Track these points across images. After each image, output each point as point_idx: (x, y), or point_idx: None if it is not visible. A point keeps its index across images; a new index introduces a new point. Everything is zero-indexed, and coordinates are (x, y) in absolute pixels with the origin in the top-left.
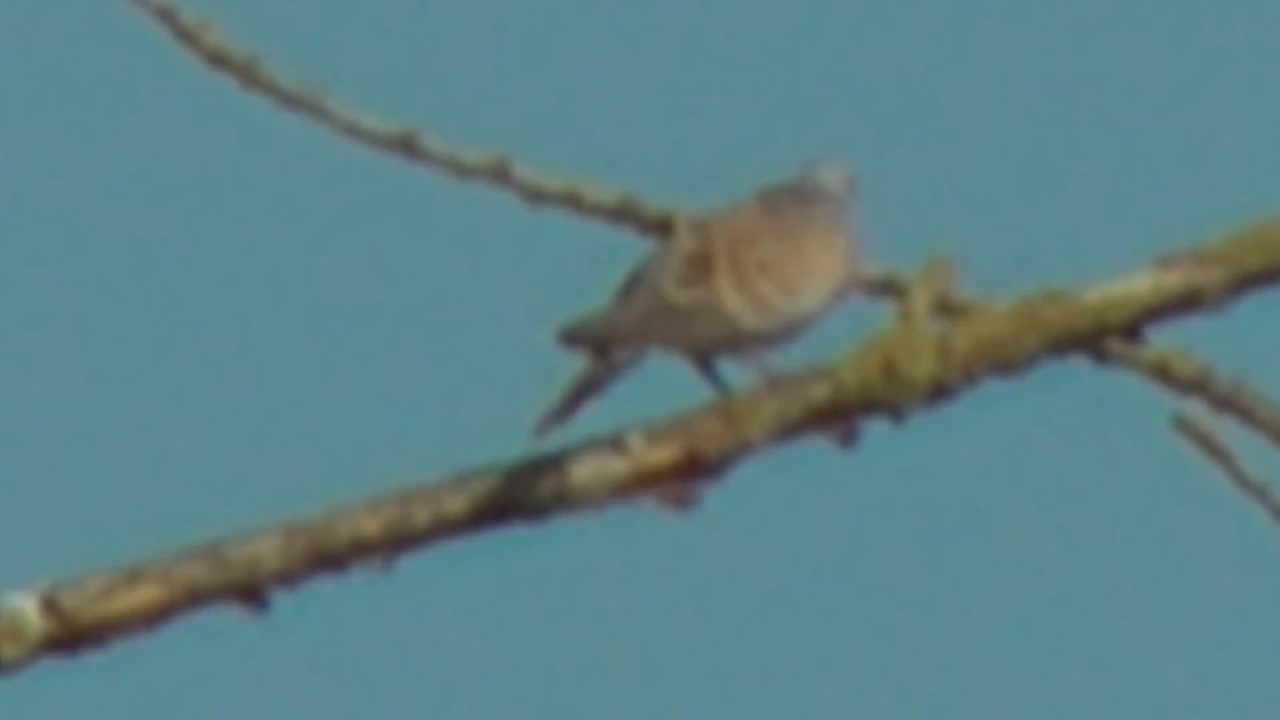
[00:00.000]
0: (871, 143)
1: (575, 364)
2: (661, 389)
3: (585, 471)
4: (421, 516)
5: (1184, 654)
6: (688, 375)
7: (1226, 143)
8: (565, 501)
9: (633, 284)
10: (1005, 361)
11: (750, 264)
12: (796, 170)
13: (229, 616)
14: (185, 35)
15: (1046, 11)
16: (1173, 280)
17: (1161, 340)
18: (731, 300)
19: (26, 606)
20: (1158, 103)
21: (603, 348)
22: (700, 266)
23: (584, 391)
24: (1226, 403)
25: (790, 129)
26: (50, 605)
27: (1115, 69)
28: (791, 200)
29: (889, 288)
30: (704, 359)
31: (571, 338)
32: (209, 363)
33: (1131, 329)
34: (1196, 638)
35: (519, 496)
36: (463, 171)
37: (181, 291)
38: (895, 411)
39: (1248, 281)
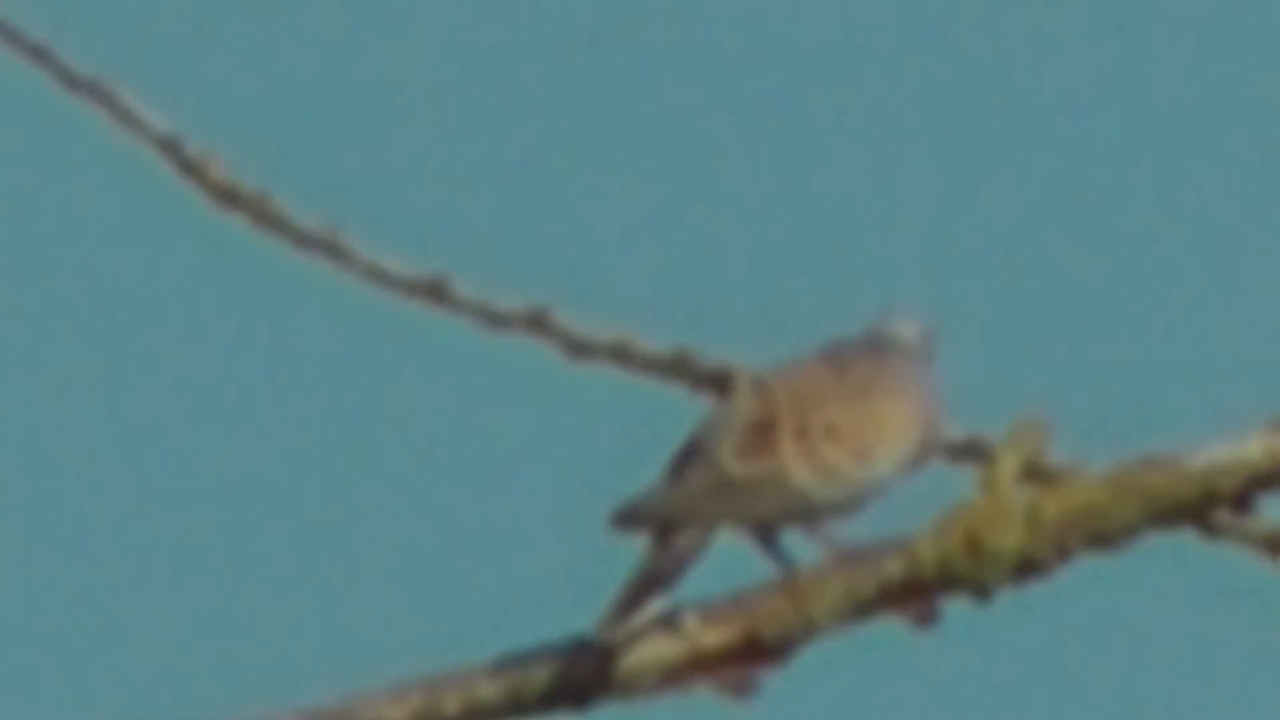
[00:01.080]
0: (951, 291)
1: (628, 543)
2: (719, 563)
3: (636, 655)
4: (452, 705)
5: None
6: (747, 548)
7: None
8: (613, 688)
9: (690, 454)
10: (1101, 534)
11: (818, 428)
12: (868, 323)
13: None
14: (191, 169)
15: (1139, 147)
16: None
17: (1276, 511)
18: (798, 471)
19: None
20: (1271, 244)
21: (662, 530)
22: (763, 433)
23: (648, 584)
24: None
25: (860, 277)
26: None
27: (1221, 210)
28: (861, 355)
29: (972, 452)
30: (767, 532)
31: (627, 519)
32: (220, 532)
33: (1242, 498)
34: None
35: (561, 683)
36: (498, 321)
37: (195, 454)
38: (979, 589)
39: None
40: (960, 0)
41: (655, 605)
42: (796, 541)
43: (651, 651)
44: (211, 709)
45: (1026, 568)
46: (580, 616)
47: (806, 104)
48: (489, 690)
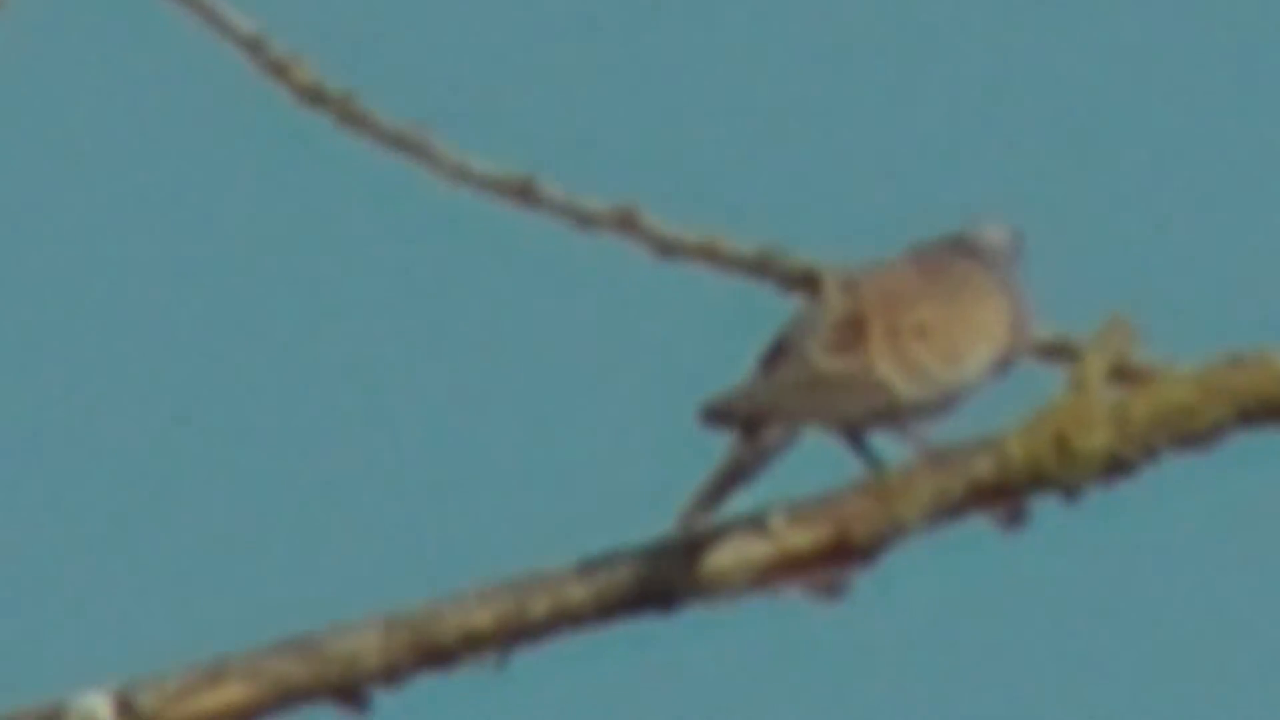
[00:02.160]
0: (1043, 193)
1: (710, 438)
2: (807, 463)
3: (723, 556)
4: (539, 607)
5: None
6: (836, 449)
7: None
8: (700, 589)
9: (778, 351)
10: (1189, 433)
11: (907, 328)
12: (957, 225)
13: (326, 718)
14: (276, 69)
15: (1230, 59)
16: None
17: None
18: (887, 369)
19: (99, 707)
20: None
21: (750, 426)
22: (852, 331)
23: (733, 478)
24: None
25: (950, 180)
26: (125, 706)
27: None
28: (951, 257)
29: (1060, 352)
30: (855, 431)
31: (715, 415)
32: (309, 432)
33: None
34: None
35: (648, 584)
36: (585, 221)
37: (280, 350)
38: (1068, 489)
39: None
40: None
41: (736, 498)
42: (886, 443)
43: (739, 552)
44: (299, 614)
45: (1115, 467)
46: (672, 516)
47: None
48: (577, 593)
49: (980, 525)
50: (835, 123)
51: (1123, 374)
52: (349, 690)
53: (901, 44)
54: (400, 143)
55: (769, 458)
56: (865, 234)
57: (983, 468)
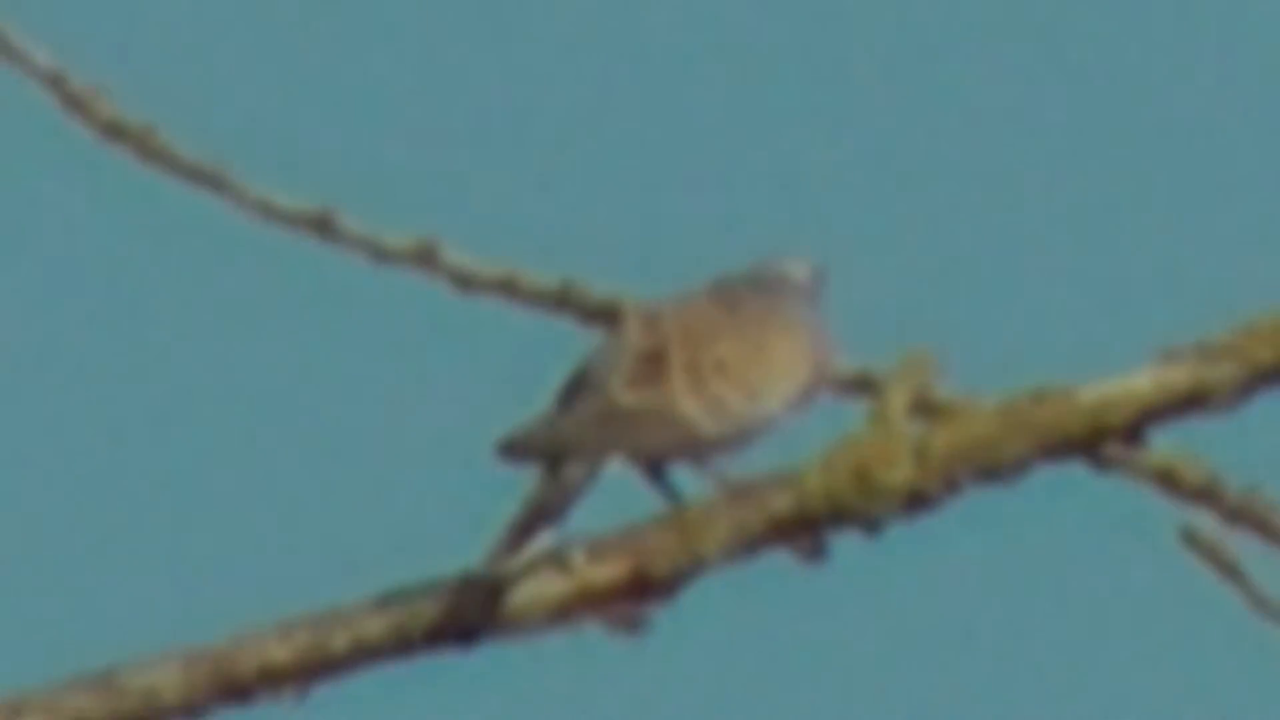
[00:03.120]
0: (842, 227)
1: (515, 475)
2: (607, 499)
3: (523, 591)
4: (339, 642)
5: None
6: (636, 483)
7: (1233, 228)
8: (500, 624)
9: (577, 385)
10: (991, 467)
11: (708, 363)
12: (757, 259)
13: None
14: (76, 104)
15: (1038, 97)
16: (1177, 377)
17: (1166, 444)
18: (688, 404)
19: None
20: (1159, 183)
21: (549, 460)
22: (653, 366)
23: (538, 516)
24: (1238, 513)
25: (749, 213)
26: None
27: (1118, 154)
28: (752, 293)
29: (862, 386)
30: (655, 466)
31: (513, 449)
32: (102, 469)
33: (1132, 431)
34: None
35: (448, 619)
36: (384, 255)
37: (67, 380)
38: (868, 523)
39: (1260, 378)
40: None
41: (544, 539)
42: (686, 477)
43: (539, 588)
44: (97, 650)
45: (915, 501)
46: (469, 551)
47: (696, 38)
48: (376, 628)
49: (780, 560)
50: (638, 156)
51: (924, 408)
52: None
53: (707, 73)
54: (200, 177)
55: (573, 495)
56: (667, 269)
57: (782, 502)
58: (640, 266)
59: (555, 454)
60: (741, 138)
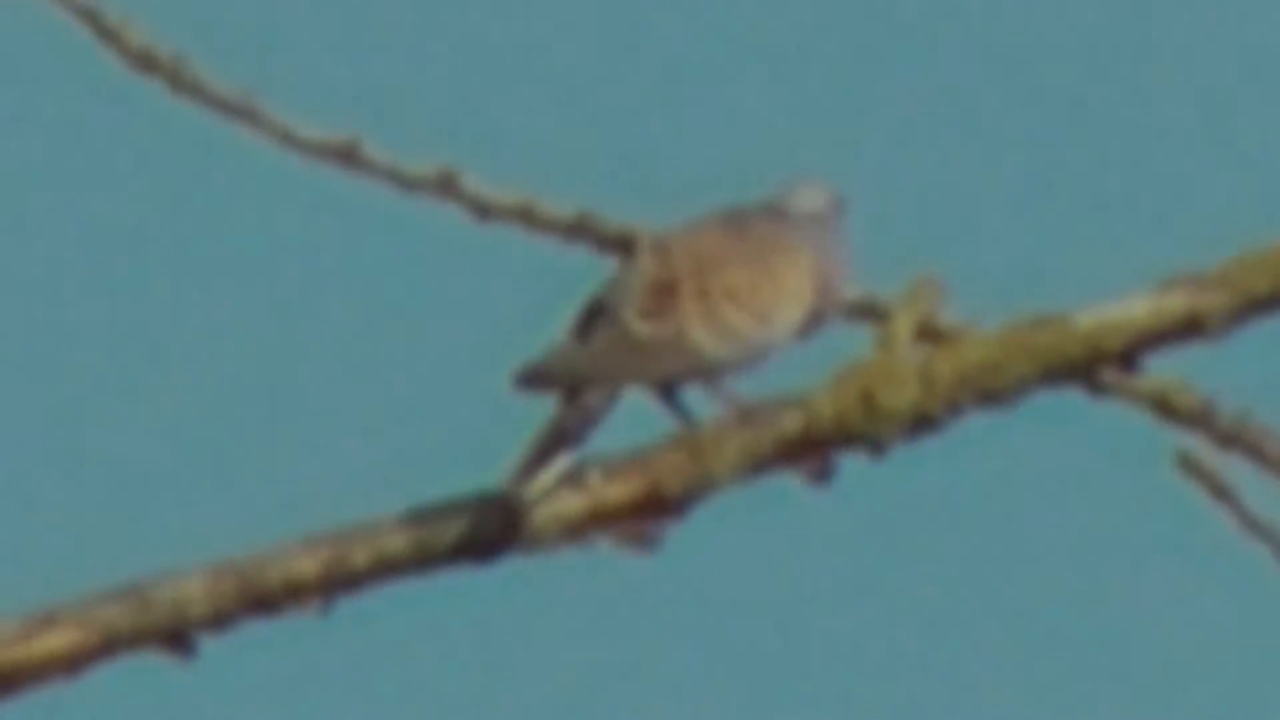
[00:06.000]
0: (852, 158)
1: (527, 401)
2: (621, 420)
3: (540, 510)
4: (360, 556)
5: (1184, 698)
6: (649, 406)
7: (1230, 160)
8: (518, 541)
9: (592, 314)
10: (992, 391)
11: (718, 290)
12: (774, 188)
13: (152, 662)
14: (108, 35)
15: (1039, 27)
16: (1173, 305)
17: (1161, 369)
18: (699, 332)
19: None
20: (1159, 116)
21: (567, 390)
22: (665, 295)
23: (557, 440)
24: (1231, 438)
25: (766, 142)
26: None
27: (1116, 84)
28: (760, 219)
29: (868, 312)
30: (668, 389)
31: (529, 380)
32: (130, 388)
33: (1128, 357)
34: (1197, 683)
35: (467, 536)
36: (407, 184)
37: (102, 308)
38: (874, 444)
39: (1253, 306)
40: None
41: (563, 461)
42: (697, 399)
43: (556, 506)
44: (127, 564)
45: (920, 424)
46: (486, 473)
47: None
48: (397, 543)
49: (789, 480)
50: (656, 88)
51: (928, 334)
52: (175, 636)
53: (720, 11)
54: (230, 108)
55: (592, 420)
56: (685, 198)
57: (791, 424)
58: (656, 195)
59: (572, 385)
60: (751, 69)
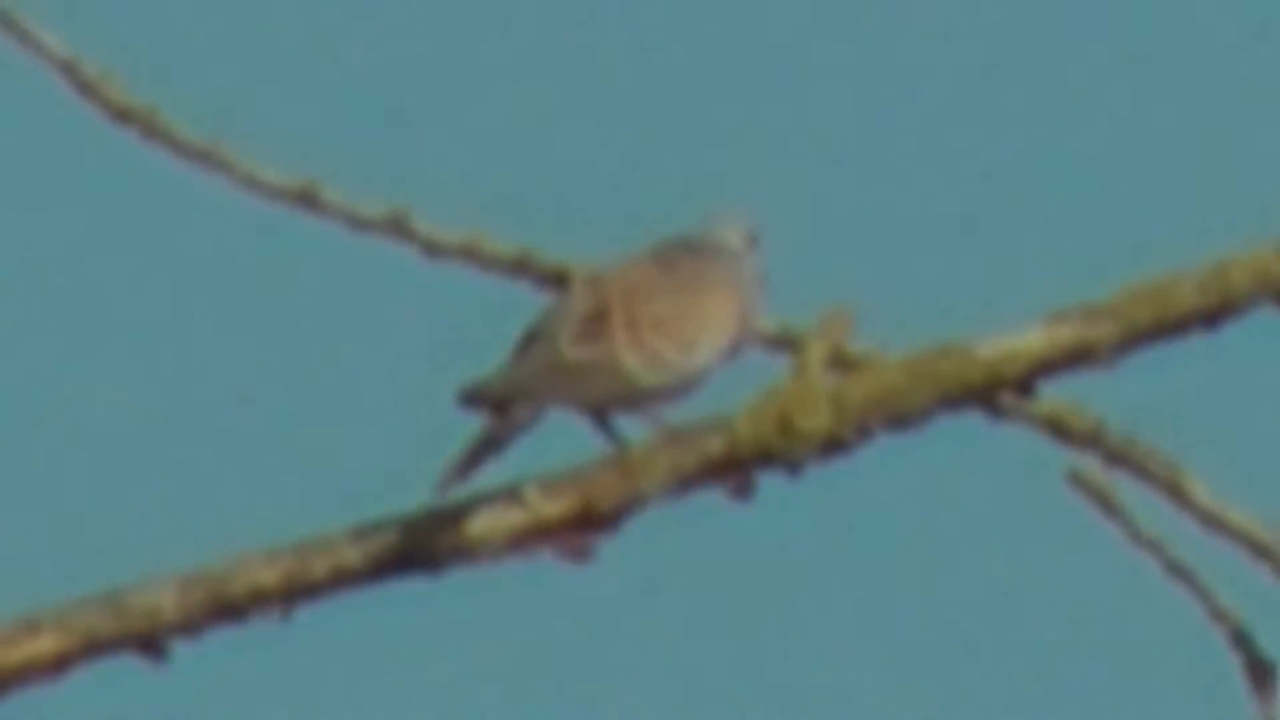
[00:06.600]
0: (770, 194)
1: (473, 421)
2: (557, 442)
3: (482, 523)
4: (320, 567)
5: (1076, 701)
6: (583, 429)
7: (1116, 200)
8: (463, 553)
9: (530, 341)
10: (899, 415)
11: (645, 320)
12: (696, 223)
13: (127, 666)
14: (87, 89)
15: (940, 62)
16: (1065, 335)
17: (1054, 394)
18: (628, 358)
19: None
20: (1049, 159)
21: (502, 406)
22: (596, 323)
23: (484, 449)
24: (1119, 457)
25: (690, 180)
26: None
27: (1010, 124)
28: (687, 254)
29: (785, 341)
30: (600, 413)
31: (471, 398)
32: (104, 410)
33: (1025, 383)
34: (1091, 695)
35: (417, 548)
36: (361, 224)
37: (84, 342)
38: (791, 464)
39: (1138, 336)
40: None
41: (486, 469)
42: (628, 423)
43: (497, 520)
44: (91, 575)
45: (832, 445)
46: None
47: (637, 10)
48: (352, 555)
49: (712, 496)
50: (585, 132)
51: (840, 361)
52: (149, 642)
53: (651, 45)
54: (197, 155)
55: (517, 433)
56: (611, 234)
57: (714, 445)
58: (589, 233)
59: (509, 402)
60: (667, 105)
